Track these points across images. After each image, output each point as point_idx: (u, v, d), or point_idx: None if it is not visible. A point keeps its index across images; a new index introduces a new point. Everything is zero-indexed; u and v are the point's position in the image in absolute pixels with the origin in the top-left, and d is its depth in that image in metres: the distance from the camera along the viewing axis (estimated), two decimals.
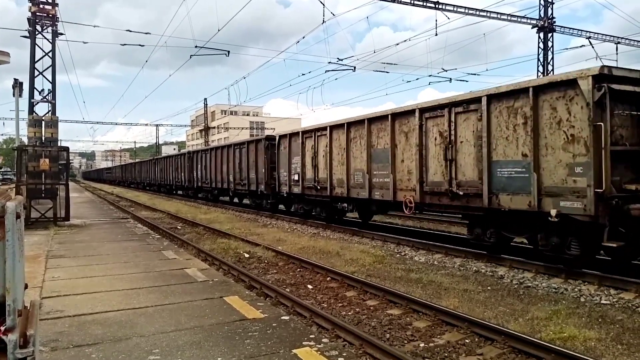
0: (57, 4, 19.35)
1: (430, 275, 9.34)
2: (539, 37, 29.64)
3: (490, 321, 6.31)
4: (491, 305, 7.40)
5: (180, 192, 39.41)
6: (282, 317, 5.72)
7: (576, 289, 8.15)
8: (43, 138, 17.57)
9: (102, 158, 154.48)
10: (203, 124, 65.43)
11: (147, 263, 9.06)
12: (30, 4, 18.93)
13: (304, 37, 29.17)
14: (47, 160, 15.06)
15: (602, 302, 7.49)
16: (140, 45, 26.51)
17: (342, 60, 26.79)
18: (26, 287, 1.97)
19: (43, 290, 6.93)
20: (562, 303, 7.43)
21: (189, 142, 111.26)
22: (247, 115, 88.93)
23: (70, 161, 21.65)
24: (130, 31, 34.50)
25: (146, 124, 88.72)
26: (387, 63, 30.39)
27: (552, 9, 29.02)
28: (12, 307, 1.58)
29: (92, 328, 5.25)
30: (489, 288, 8.47)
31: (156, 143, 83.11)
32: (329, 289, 8.48)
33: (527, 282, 8.77)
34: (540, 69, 29.81)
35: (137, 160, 64.06)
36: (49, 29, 19.32)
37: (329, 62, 27.11)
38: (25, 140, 19.96)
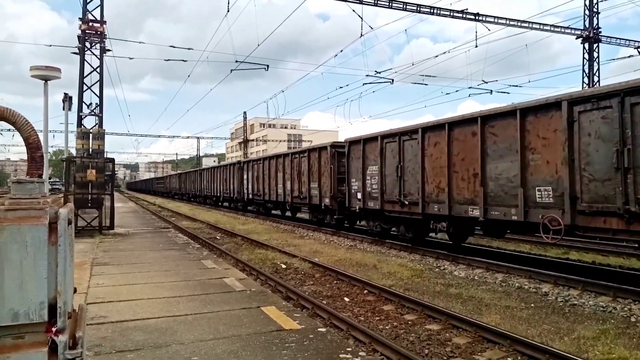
0: (105, 21, 20.22)
1: (471, 291, 9.12)
2: (584, 47, 28.84)
3: (533, 339, 6.10)
4: (535, 323, 7.15)
5: (226, 204, 37.51)
6: (319, 329, 5.70)
7: (626, 308, 7.79)
8: (90, 150, 18.29)
9: (145, 169, 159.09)
10: (242, 137, 66.53)
11: (187, 272, 9.23)
12: (80, 22, 19.85)
13: (342, 51, 29.54)
14: (93, 171, 15.63)
15: None
16: (182, 60, 27.36)
17: (379, 73, 26.77)
18: (75, 291, 2.04)
19: (88, 297, 7.15)
20: (611, 322, 7.12)
21: (229, 154, 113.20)
22: (285, 127, 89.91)
23: (116, 172, 22.38)
24: (174, 47, 35.66)
25: (188, 137, 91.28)
26: (425, 75, 30.21)
27: (597, 18, 28.23)
28: (62, 310, 1.65)
29: (133, 334, 5.38)
30: (532, 305, 8.20)
31: (197, 155, 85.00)
32: (365, 302, 8.40)
33: (572, 299, 8.44)
34: (586, 80, 28.95)
35: (195, 169, 56.24)
36: (97, 45, 20.20)
37: (367, 75, 27.07)
38: (73, 151, 20.82)
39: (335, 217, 18.63)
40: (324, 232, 19.30)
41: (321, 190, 19.37)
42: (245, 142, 65.67)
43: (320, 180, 19.39)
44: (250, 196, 29.24)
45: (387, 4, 22.30)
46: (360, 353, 5.05)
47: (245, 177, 30.20)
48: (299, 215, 25.94)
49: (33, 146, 2.13)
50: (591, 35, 28.14)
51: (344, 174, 17.46)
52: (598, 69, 28.98)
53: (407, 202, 13.67)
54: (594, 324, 7.06)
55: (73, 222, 1.89)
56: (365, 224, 17.43)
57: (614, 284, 8.75)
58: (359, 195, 16.14)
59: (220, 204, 38.92)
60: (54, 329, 1.64)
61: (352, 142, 16.82)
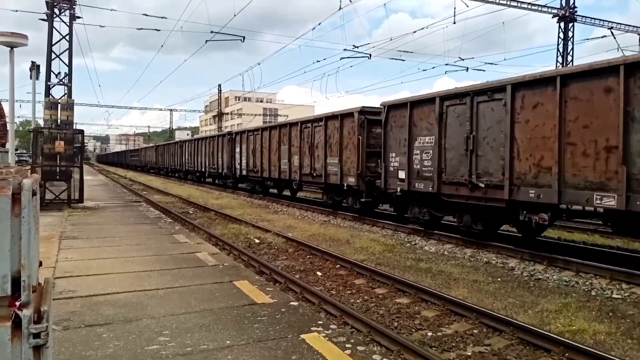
0: None
1: (440, 265, 9.33)
2: (560, 26, 29.16)
3: (499, 312, 6.31)
4: (501, 296, 7.38)
5: (210, 180, 34.20)
6: (291, 303, 5.76)
7: (587, 283, 8.10)
8: (59, 121, 17.76)
9: (116, 142, 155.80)
10: (217, 110, 65.58)
11: (158, 246, 9.16)
12: None
13: (320, 24, 29.03)
14: (62, 142, 15.21)
15: (614, 296, 7.44)
16: (156, 29, 26.65)
17: (357, 47, 26.65)
18: (40, 264, 2.00)
19: (56, 271, 7.04)
20: (573, 296, 7.40)
21: (202, 128, 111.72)
22: (261, 101, 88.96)
23: (85, 144, 21.88)
24: (147, 15, 34.52)
25: (160, 109, 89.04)
26: (403, 51, 30.18)
27: None
28: (26, 283, 1.61)
29: (103, 308, 5.33)
30: (499, 279, 8.45)
31: (170, 128, 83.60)
32: (338, 277, 8.52)
33: (538, 274, 8.73)
34: (560, 59, 29.37)
35: (173, 141, 51.05)
36: (67, 12, 19.45)
37: (345, 49, 26.83)
38: (41, 122, 20.20)
39: (362, 200, 15.28)
40: (297, 207, 19.31)
41: (342, 167, 16.05)
42: (220, 116, 64.80)
43: (342, 155, 16.10)
44: (244, 172, 25.54)
45: None
46: (331, 326, 5.13)
47: (237, 150, 26.45)
48: (300, 195, 23.58)
49: None
50: (567, 14, 28.47)
51: (376, 148, 14.54)
52: (572, 48, 29.45)
53: (482, 185, 10.49)
54: (557, 297, 7.32)
55: (38, 194, 1.83)
56: (408, 211, 13.82)
57: (577, 259, 9.06)
58: (402, 175, 12.96)
59: (203, 180, 35.62)
60: (17, 303, 1.61)
61: (393, 107, 13.58)
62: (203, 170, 34.26)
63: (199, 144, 35.61)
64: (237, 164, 26.77)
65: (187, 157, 39.11)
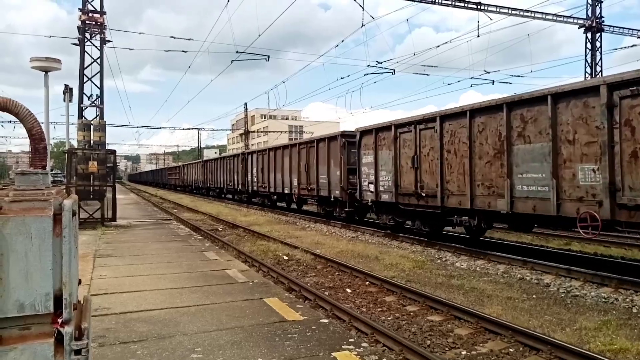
0: (105, 12, 20.12)
1: (473, 282, 9.14)
2: (586, 37, 28.67)
3: (535, 330, 6.12)
4: (536, 314, 7.17)
5: (229, 196, 36.38)
6: (321, 320, 5.72)
7: (627, 299, 7.80)
8: (91, 141, 18.28)
9: (146, 161, 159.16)
10: (243, 128, 66.46)
11: (189, 263, 9.26)
12: (80, 13, 19.76)
13: (342, 41, 29.25)
14: (95, 162, 15.64)
15: None
16: (183, 51, 27.24)
17: (381, 63, 26.67)
18: (80, 282, 2.04)
19: (91, 288, 7.18)
20: (613, 313, 7.13)
21: (230, 146, 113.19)
22: (286, 119, 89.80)
23: (117, 164, 22.41)
24: (174, 37, 35.64)
25: (188, 128, 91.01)
26: (427, 65, 30.05)
27: (600, 7, 28.04)
28: (68, 301, 1.65)
29: (137, 325, 5.40)
30: (534, 296, 8.21)
31: (198, 147, 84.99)
32: (367, 294, 8.43)
33: (574, 290, 8.46)
34: (588, 70, 28.82)
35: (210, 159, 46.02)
36: (97, 36, 20.11)
37: (368, 65, 26.95)
38: (74, 143, 20.81)
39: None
40: (326, 223, 19.33)
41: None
42: (247, 134, 65.57)
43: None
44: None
45: None
46: (362, 344, 5.08)
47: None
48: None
49: (36, 137, 2.12)
50: (594, 24, 27.97)
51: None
52: (601, 58, 28.84)
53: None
54: (596, 315, 7.07)
55: (78, 214, 1.88)
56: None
57: (615, 275, 8.76)
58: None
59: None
60: (59, 320, 1.65)
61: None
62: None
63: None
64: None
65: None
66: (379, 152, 15.16)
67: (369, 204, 15.87)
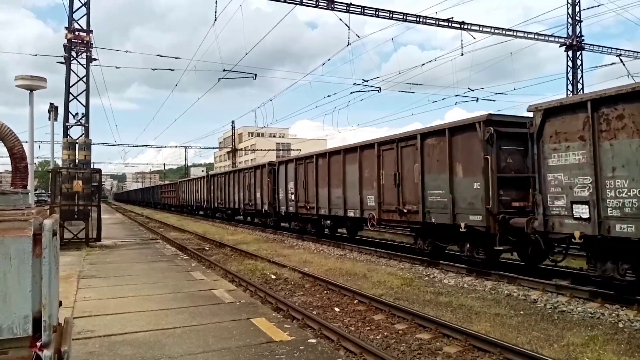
0: (92, 30, 20.09)
1: (461, 299, 9.13)
2: (568, 55, 29.28)
3: (524, 347, 6.11)
4: (524, 330, 7.17)
5: (201, 212, 39.00)
6: (309, 340, 5.66)
7: (614, 314, 7.84)
8: (77, 160, 18.08)
9: (132, 180, 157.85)
10: (230, 146, 66.41)
11: (175, 284, 9.13)
12: (66, 32, 19.72)
13: (329, 59, 29.50)
14: (80, 182, 15.46)
15: None
16: (170, 69, 27.32)
17: (367, 81, 26.84)
18: (60, 304, 2.00)
19: (75, 310, 7.03)
20: (599, 328, 7.15)
21: (217, 164, 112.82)
22: (274, 136, 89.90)
23: (102, 183, 22.16)
24: (161, 56, 35.54)
25: (175, 146, 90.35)
26: (412, 84, 30.36)
27: (580, 27, 28.69)
28: (47, 323, 1.61)
29: (121, 348, 5.29)
30: (521, 312, 8.22)
31: (185, 165, 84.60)
32: (356, 312, 8.37)
33: (561, 306, 8.48)
34: (570, 87, 29.36)
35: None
36: (84, 54, 20.04)
37: (354, 84, 27.09)
38: (59, 162, 20.59)
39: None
40: (314, 241, 19.26)
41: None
42: (234, 152, 65.50)
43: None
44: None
45: (374, 12, 22.46)
46: None
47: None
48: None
49: (17, 156, 2.09)
50: (574, 43, 28.58)
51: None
52: (582, 76, 29.42)
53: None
54: (583, 330, 7.09)
55: (58, 234, 1.85)
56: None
57: (601, 289, 8.81)
58: (213, 200, 22.93)
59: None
60: (38, 344, 1.60)
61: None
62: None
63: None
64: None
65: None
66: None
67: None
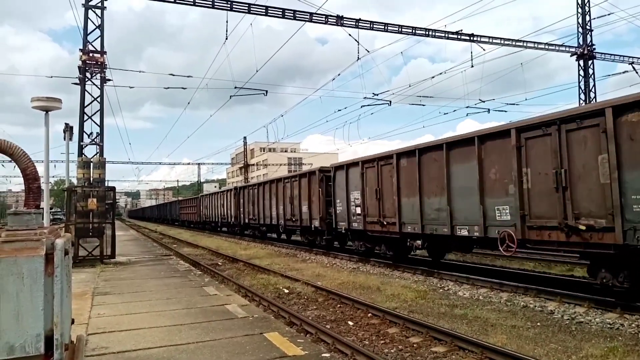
0: (106, 52, 20.48)
1: (476, 311, 9.02)
2: (579, 64, 29.13)
3: (541, 359, 6.01)
4: (542, 342, 7.05)
5: (225, 229, 36.95)
6: (323, 355, 5.62)
7: (633, 325, 7.69)
8: (91, 179, 18.30)
9: (146, 197, 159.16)
10: (242, 162, 66.79)
11: (188, 299, 9.15)
12: (81, 53, 20.11)
13: (339, 74, 29.69)
14: (94, 200, 15.62)
15: None
16: (182, 88, 27.60)
17: (377, 95, 26.96)
18: (73, 322, 2.02)
19: (89, 327, 7.07)
20: (619, 339, 7.01)
21: (229, 180, 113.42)
22: (285, 151, 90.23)
23: (117, 200, 22.39)
24: (173, 75, 35.88)
25: (188, 163, 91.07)
26: (423, 96, 30.38)
27: (591, 35, 28.59)
28: (59, 342, 1.63)
29: None
30: (538, 324, 8.09)
31: (198, 181, 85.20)
32: (370, 326, 8.30)
33: (579, 317, 8.34)
34: (582, 96, 29.15)
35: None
36: (98, 75, 20.41)
37: (365, 97, 27.17)
38: (74, 181, 20.83)
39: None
40: (326, 255, 19.21)
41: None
42: (246, 167, 65.85)
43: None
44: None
45: (383, 27, 22.61)
46: None
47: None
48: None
49: (30, 177, 2.13)
50: (585, 52, 28.45)
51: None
52: (594, 85, 29.22)
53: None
54: (602, 341, 6.96)
55: (70, 253, 1.88)
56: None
57: (620, 300, 8.65)
58: (242, 216, 20.30)
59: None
60: None
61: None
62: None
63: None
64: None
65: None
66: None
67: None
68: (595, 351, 6.40)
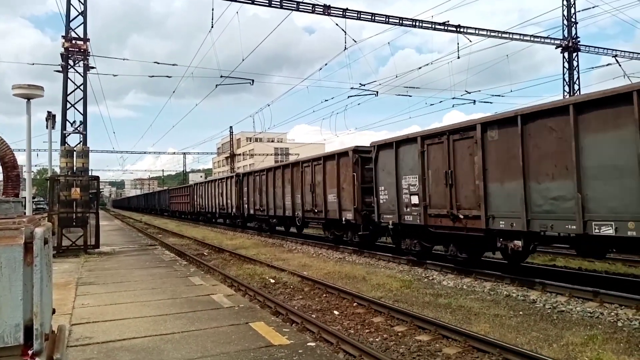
0: (89, 39, 20.15)
1: (460, 300, 9.12)
2: (564, 56, 29.39)
3: (523, 347, 6.11)
4: (524, 330, 7.16)
5: (221, 220, 34.09)
6: (309, 344, 5.65)
7: (612, 313, 7.85)
8: (74, 168, 18.08)
9: (131, 187, 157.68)
10: (229, 151, 66.46)
11: (174, 289, 9.12)
12: (63, 40, 19.76)
13: (326, 64, 29.63)
14: (78, 189, 15.44)
15: None
16: (167, 76, 27.37)
17: (364, 85, 26.96)
18: (54, 312, 2.00)
19: (73, 317, 7.02)
20: (599, 328, 7.15)
21: (215, 170, 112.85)
22: (272, 141, 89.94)
23: (101, 190, 22.17)
24: (158, 63, 35.57)
25: (174, 153, 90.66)
26: (409, 87, 30.45)
27: (576, 28, 28.86)
28: (39, 332, 1.61)
29: (120, 354, 5.28)
30: (520, 313, 8.22)
31: (184, 171, 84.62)
32: (355, 315, 8.36)
33: (560, 306, 8.48)
34: (567, 88, 29.45)
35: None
36: (81, 63, 20.09)
37: (352, 88, 27.18)
38: (57, 170, 20.58)
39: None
40: (312, 245, 19.21)
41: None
42: (232, 157, 65.53)
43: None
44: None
45: (370, 17, 22.54)
46: None
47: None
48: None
49: (9, 165, 2.09)
50: (570, 44, 28.70)
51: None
52: (578, 77, 29.53)
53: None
54: (582, 330, 7.09)
55: (50, 242, 1.85)
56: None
57: (600, 289, 8.82)
58: (247, 206, 16.73)
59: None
60: (30, 352, 1.60)
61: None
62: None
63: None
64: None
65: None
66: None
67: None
68: (575, 339, 6.52)
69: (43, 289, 1.66)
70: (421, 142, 12.58)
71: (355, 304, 9.02)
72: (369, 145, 15.32)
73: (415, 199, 12.91)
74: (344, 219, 16.35)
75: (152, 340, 5.78)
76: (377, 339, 6.96)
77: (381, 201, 14.31)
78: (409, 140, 13.14)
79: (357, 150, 15.89)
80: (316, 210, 18.37)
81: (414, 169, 12.88)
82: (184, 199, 45.14)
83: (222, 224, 33.77)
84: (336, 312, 8.60)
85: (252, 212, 26.00)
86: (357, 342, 6.52)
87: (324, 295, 10.05)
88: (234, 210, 29.07)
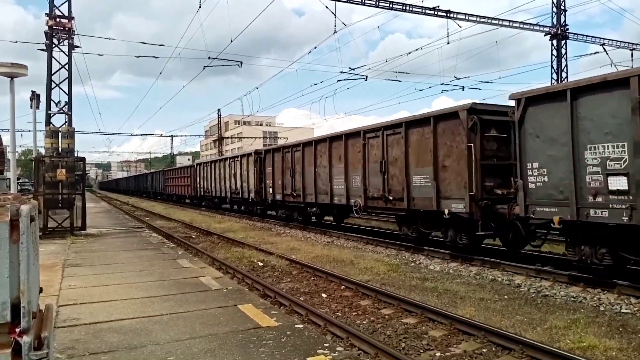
0: (74, 17, 19.70)
1: (446, 284, 9.23)
2: (552, 44, 29.46)
3: (507, 330, 6.21)
4: (508, 314, 7.28)
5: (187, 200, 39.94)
6: (296, 326, 5.69)
7: (595, 298, 8.00)
8: (60, 149, 17.82)
9: (117, 169, 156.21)
10: (217, 134, 66.01)
11: (162, 271, 9.10)
12: (47, 18, 19.30)
13: (316, 47, 29.41)
14: (63, 170, 15.25)
15: (623, 311, 7.32)
16: (154, 57, 26.78)
17: (354, 69, 26.81)
18: (41, 290, 1.98)
19: (60, 299, 6.98)
20: (581, 312, 7.29)
21: (203, 152, 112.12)
22: (260, 125, 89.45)
23: (87, 172, 21.92)
24: (144, 43, 34.74)
25: (161, 135, 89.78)
26: (399, 72, 30.34)
27: (565, 16, 28.86)
28: (26, 309, 1.58)
29: (107, 336, 5.27)
30: (505, 297, 8.34)
31: (171, 153, 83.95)
32: (343, 298, 8.42)
33: (544, 290, 8.62)
34: (555, 76, 29.57)
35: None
36: (66, 42, 19.65)
37: (341, 72, 26.98)
38: (42, 151, 20.28)
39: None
40: (301, 229, 19.29)
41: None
42: (220, 140, 65.15)
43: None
44: (278, 197, 21.34)
45: (360, 0, 22.34)
46: (337, 348, 5.06)
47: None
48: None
49: None
50: (559, 32, 28.75)
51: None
52: (566, 65, 29.64)
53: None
54: (565, 314, 7.22)
55: (37, 220, 1.82)
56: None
57: (583, 274, 8.96)
58: (271, 190, 21.60)
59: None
60: (17, 330, 1.58)
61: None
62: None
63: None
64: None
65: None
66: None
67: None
68: (559, 323, 6.64)
69: (30, 266, 1.63)
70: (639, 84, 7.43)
71: (343, 287, 9.08)
72: (496, 103, 11.88)
73: (617, 182, 7.91)
74: (446, 210, 11.47)
75: (140, 322, 5.78)
76: (364, 322, 7.03)
77: (531, 185, 9.40)
78: (606, 84, 7.96)
79: (474, 109, 10.93)
80: (390, 198, 13.59)
81: (618, 134, 7.86)
82: (184, 181, 40.02)
83: (230, 210, 29.86)
84: (324, 295, 8.66)
85: (278, 197, 21.47)
86: (345, 324, 6.58)
87: (312, 278, 10.10)
88: (251, 195, 24.42)
